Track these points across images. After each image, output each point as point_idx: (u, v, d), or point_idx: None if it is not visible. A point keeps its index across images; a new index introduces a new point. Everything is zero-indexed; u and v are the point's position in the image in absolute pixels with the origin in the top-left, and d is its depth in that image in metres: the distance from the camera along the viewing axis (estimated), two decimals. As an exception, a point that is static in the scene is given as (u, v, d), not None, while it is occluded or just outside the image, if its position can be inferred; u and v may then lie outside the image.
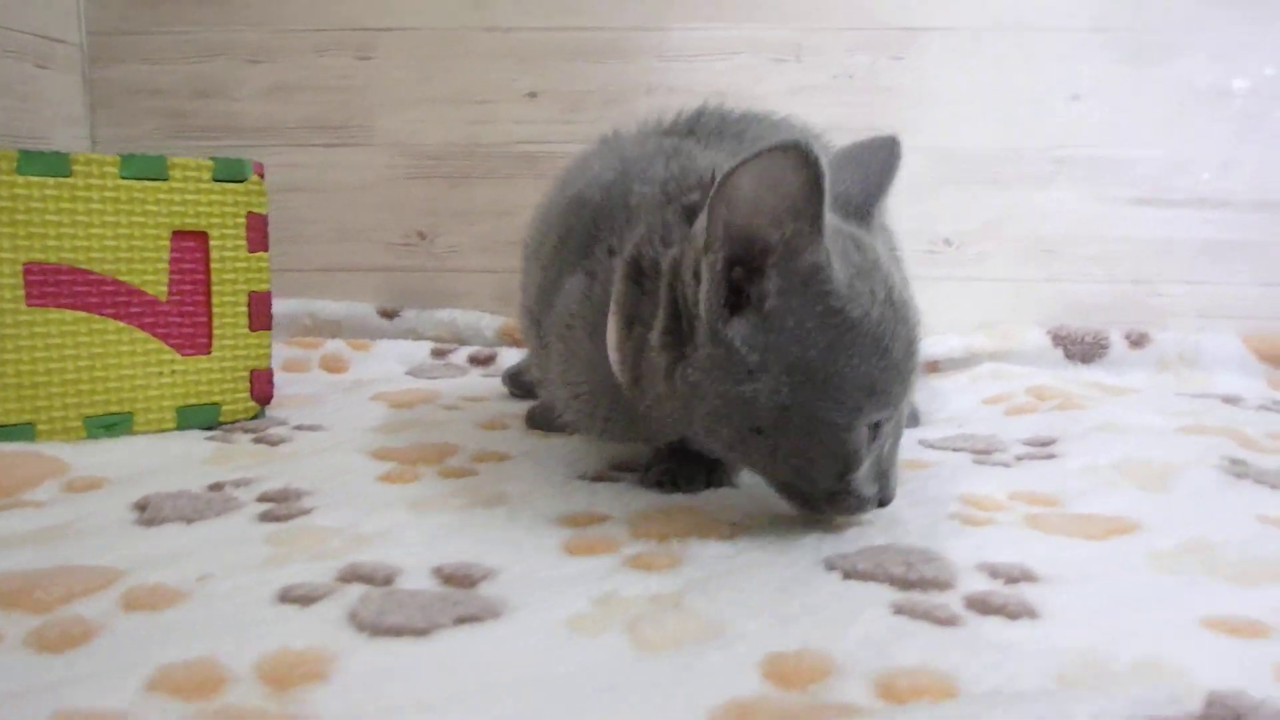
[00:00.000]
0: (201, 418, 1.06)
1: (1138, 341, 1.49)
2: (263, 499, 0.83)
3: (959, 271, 1.53)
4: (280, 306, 1.50)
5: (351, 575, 0.66)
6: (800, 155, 0.64)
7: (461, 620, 0.59)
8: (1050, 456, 1.00)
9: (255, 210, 1.08)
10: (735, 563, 0.70)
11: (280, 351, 1.45)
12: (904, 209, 1.45)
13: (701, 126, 1.02)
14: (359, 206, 1.55)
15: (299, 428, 1.09)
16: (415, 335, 1.53)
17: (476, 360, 1.48)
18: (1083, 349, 1.49)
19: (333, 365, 1.43)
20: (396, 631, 0.57)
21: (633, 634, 0.58)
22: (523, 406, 1.18)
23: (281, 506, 0.81)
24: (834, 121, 1.48)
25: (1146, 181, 1.51)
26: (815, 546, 0.74)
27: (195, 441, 1.02)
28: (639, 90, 1.53)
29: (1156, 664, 0.56)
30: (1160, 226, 1.51)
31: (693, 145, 0.96)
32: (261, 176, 1.09)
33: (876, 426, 0.72)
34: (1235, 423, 1.16)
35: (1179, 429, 1.11)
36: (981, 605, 0.63)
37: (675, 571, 0.68)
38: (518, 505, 0.82)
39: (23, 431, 0.97)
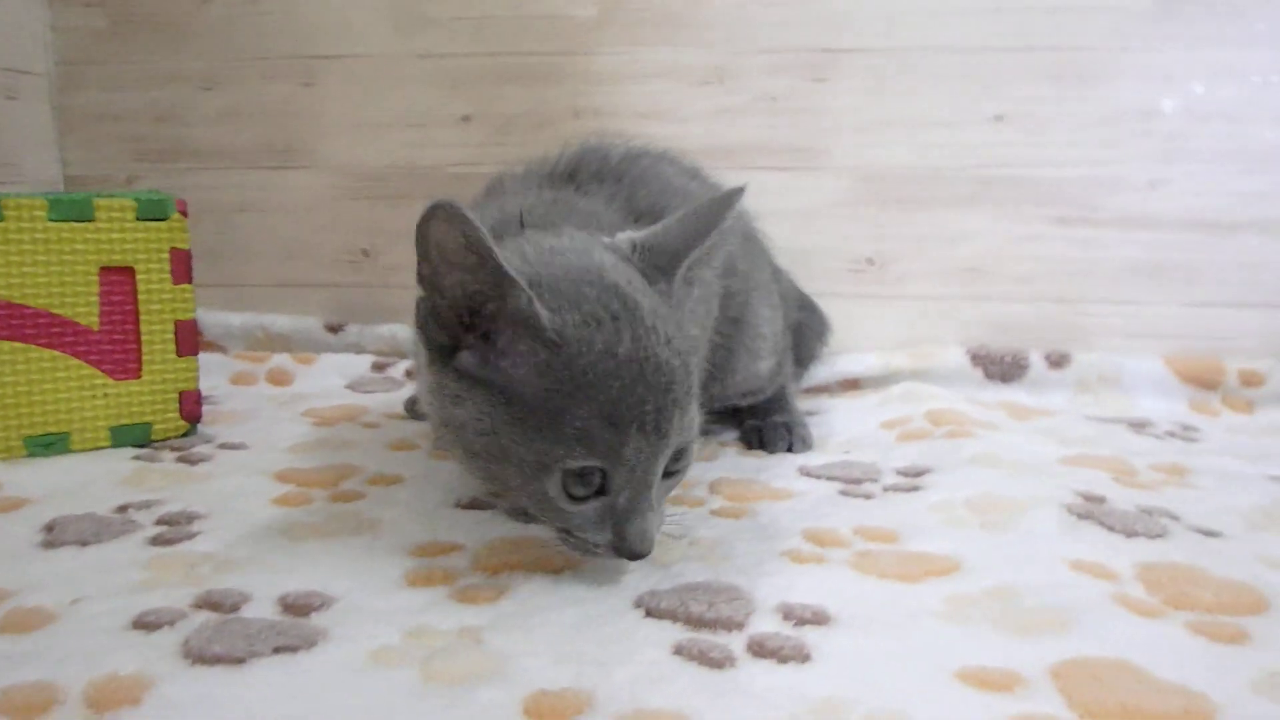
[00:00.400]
0: (134, 436, 1.15)
1: (1058, 362, 1.49)
2: (160, 522, 0.92)
3: (882, 290, 1.56)
4: (234, 320, 1.60)
5: (204, 602, 0.74)
6: (447, 214, 0.71)
7: (278, 650, 0.66)
8: (914, 489, 1.04)
9: (178, 245, 1.16)
10: (549, 599, 0.76)
11: (230, 365, 1.54)
12: (826, 227, 1.56)
13: (583, 169, 1.08)
14: (305, 225, 1.63)
15: (223, 446, 1.17)
16: (359, 349, 1.61)
17: (413, 374, 1.53)
18: (1002, 369, 1.50)
19: (278, 379, 1.51)
20: (215, 660, 0.65)
21: (424, 669, 0.65)
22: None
23: (172, 530, 0.89)
24: (757, 142, 1.56)
25: (1071, 201, 1.52)
26: (635, 583, 0.79)
27: (122, 461, 1.11)
28: (567, 113, 1.59)
29: (891, 713, 0.60)
30: (1085, 247, 1.52)
31: (571, 194, 1.02)
32: (184, 214, 1.16)
33: (592, 476, 0.75)
34: (1127, 451, 1.19)
35: (1061, 459, 1.14)
36: (759, 648, 0.68)
37: (492, 606, 0.75)
38: (383, 532, 0.89)
39: None
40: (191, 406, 1.19)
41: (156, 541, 0.87)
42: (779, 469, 1.12)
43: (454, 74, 1.59)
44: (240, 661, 0.65)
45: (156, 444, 1.17)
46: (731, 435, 1.26)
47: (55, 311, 1.10)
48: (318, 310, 1.66)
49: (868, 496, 1.02)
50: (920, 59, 1.52)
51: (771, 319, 1.20)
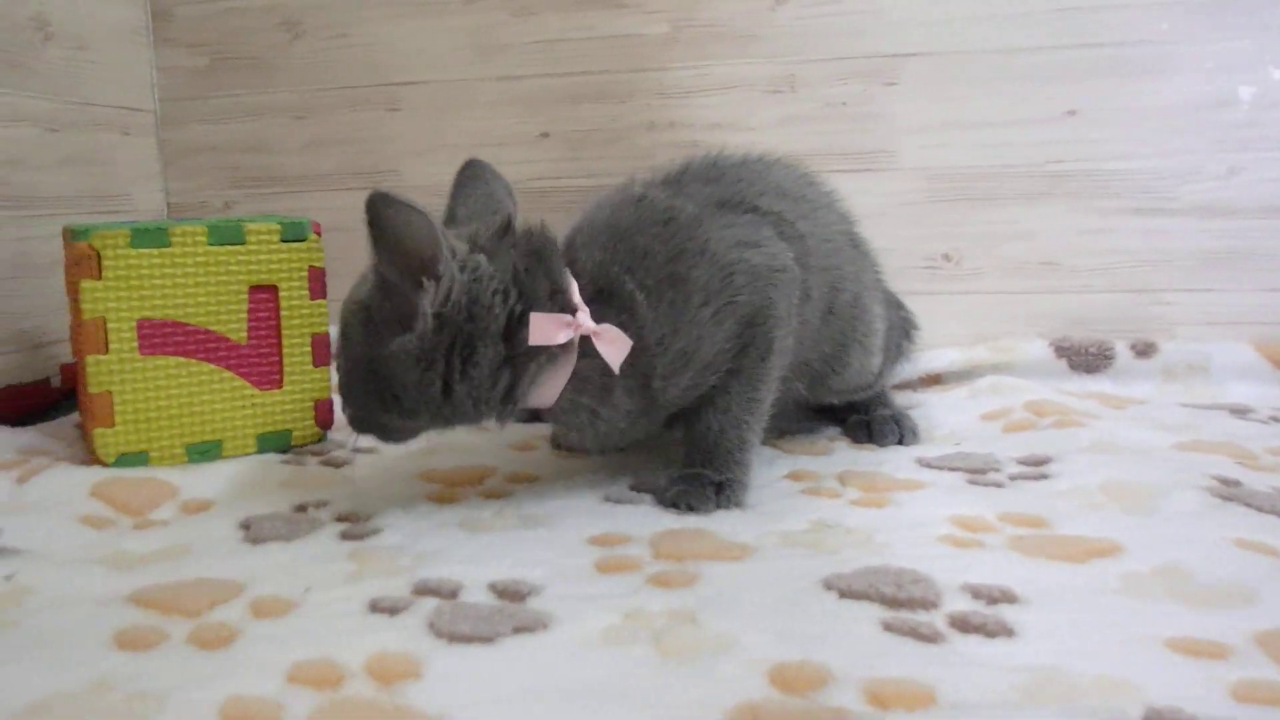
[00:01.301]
0: (276, 443, 1.21)
1: (1144, 351, 1.49)
2: (340, 519, 0.98)
3: (958, 286, 1.58)
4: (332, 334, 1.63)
5: (423, 589, 0.80)
6: (373, 201, 0.85)
7: (518, 630, 0.72)
8: (1042, 477, 1.05)
9: (315, 264, 1.23)
10: (742, 582, 0.80)
11: (332, 376, 1.58)
12: (900, 228, 1.59)
13: (689, 171, 1.12)
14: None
15: (357, 450, 1.22)
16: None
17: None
18: (1087, 360, 1.50)
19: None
20: (468, 638, 0.71)
21: (657, 645, 0.70)
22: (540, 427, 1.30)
23: (355, 527, 0.96)
24: (828, 147, 1.61)
25: (1145, 192, 1.53)
26: (816, 569, 0.81)
27: (273, 465, 1.17)
28: (641, 127, 1.64)
29: (1116, 681, 0.62)
30: (1161, 237, 1.53)
31: (660, 191, 1.07)
32: (319, 234, 1.22)
33: None
34: (1238, 437, 1.18)
35: (1175, 445, 1.14)
36: (963, 624, 0.71)
37: (690, 590, 0.79)
38: (553, 525, 0.95)
39: (138, 458, 1.13)
40: (325, 414, 1.25)
41: (346, 537, 0.93)
42: (897, 461, 1.15)
43: (530, 94, 1.66)
44: (489, 640, 0.71)
45: (296, 449, 1.23)
46: (834, 430, 1.30)
47: (211, 328, 1.16)
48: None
49: (998, 485, 1.05)
50: (987, 60, 1.55)
51: (882, 316, 1.24)
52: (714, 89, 1.62)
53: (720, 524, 0.95)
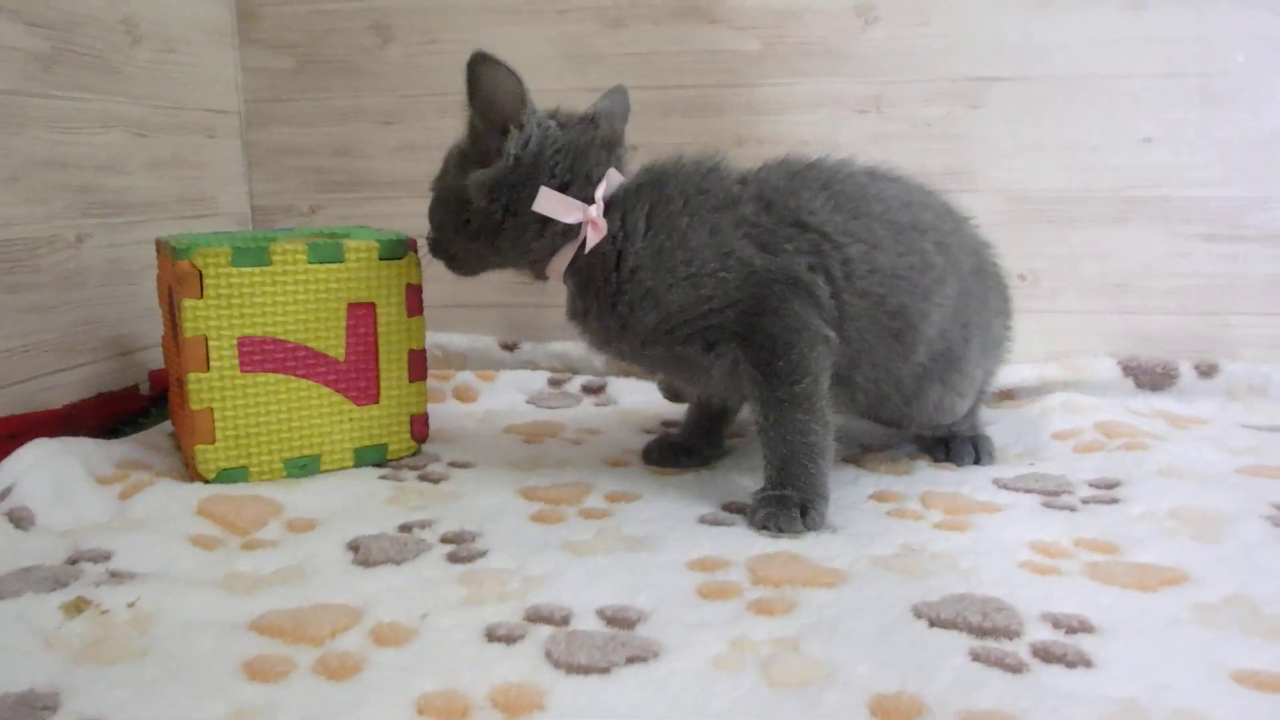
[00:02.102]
0: (373, 456, 1.26)
1: (1207, 372, 1.55)
2: (445, 540, 1.02)
3: (1033, 305, 1.61)
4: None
5: (535, 616, 0.83)
6: (474, 60, 1.08)
7: (631, 659, 0.75)
8: (1114, 501, 1.11)
9: (412, 281, 1.26)
10: (838, 610, 0.84)
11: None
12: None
13: (780, 169, 1.21)
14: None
15: (453, 464, 1.27)
16: (533, 366, 1.70)
17: (589, 389, 1.64)
18: (1152, 378, 1.56)
19: (464, 395, 1.60)
20: (585, 669, 0.74)
21: (765, 674, 0.74)
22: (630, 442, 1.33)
23: (462, 548, 0.99)
24: (913, 167, 1.59)
25: (1218, 219, 1.57)
26: (905, 594, 0.87)
27: (371, 480, 1.21)
28: (731, 142, 1.66)
29: (1191, 713, 0.67)
30: (1231, 262, 1.57)
31: (735, 169, 1.20)
32: (415, 251, 1.26)
33: None
34: None
35: (1239, 469, 1.21)
36: (1045, 654, 0.76)
37: (791, 617, 0.83)
38: (654, 548, 0.99)
39: (239, 474, 1.17)
40: (420, 428, 1.29)
41: (454, 559, 0.97)
42: (975, 481, 1.19)
43: (621, 105, 1.67)
44: (605, 670, 0.74)
45: (392, 463, 1.27)
46: (912, 448, 1.34)
47: (310, 345, 1.21)
48: (489, 329, 1.75)
49: (1071, 509, 1.09)
50: (1070, 86, 1.58)
51: (979, 361, 1.23)
52: (803, 106, 1.65)
53: (813, 548, 0.99)
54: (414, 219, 1.76)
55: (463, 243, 1.18)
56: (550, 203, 1.10)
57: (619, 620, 0.83)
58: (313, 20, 1.74)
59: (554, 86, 1.69)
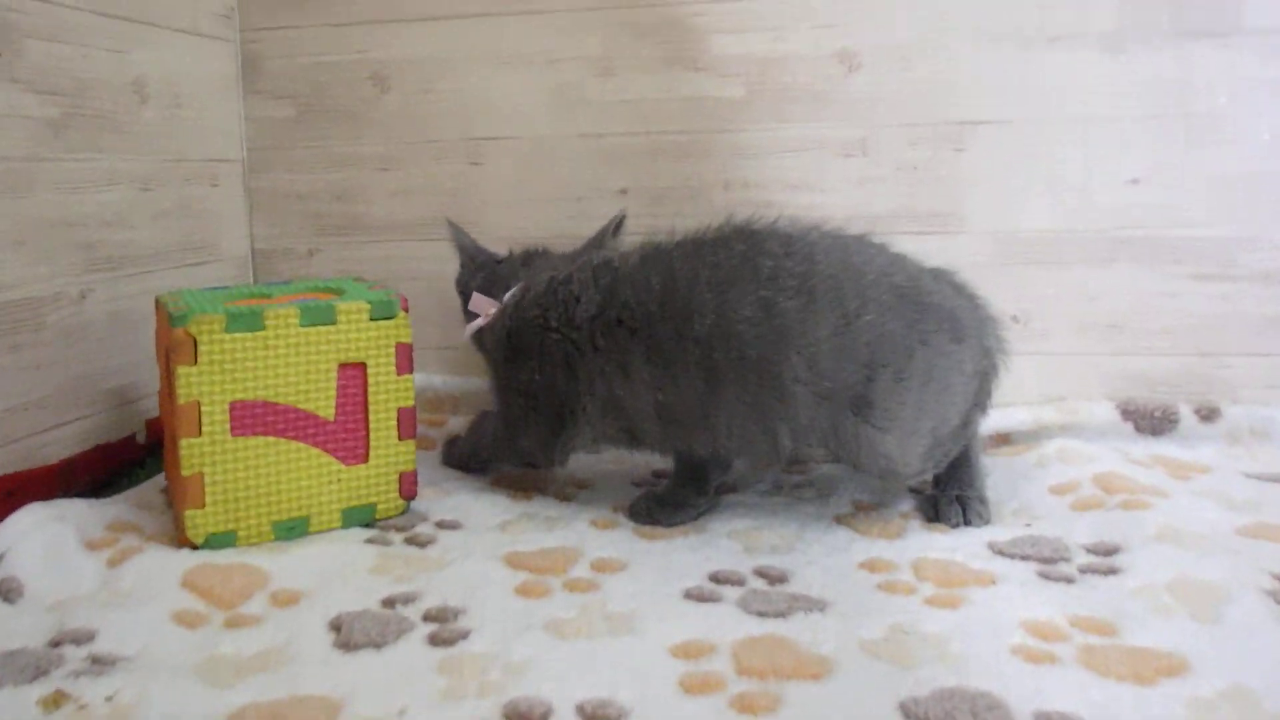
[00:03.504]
0: (361, 517, 1.22)
1: (1208, 415, 1.48)
2: (428, 618, 0.97)
3: (1025, 346, 1.55)
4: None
5: (514, 713, 0.79)
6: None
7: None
8: (1112, 571, 1.05)
9: (402, 340, 1.22)
10: (825, 708, 0.80)
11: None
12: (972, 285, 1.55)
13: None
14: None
15: (440, 525, 1.23)
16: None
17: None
18: (1152, 423, 1.50)
19: (456, 443, 1.56)
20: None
21: None
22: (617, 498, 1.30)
23: (444, 629, 0.94)
24: (899, 210, 1.60)
25: (1208, 258, 1.52)
26: (893, 688, 0.82)
27: (358, 543, 1.17)
28: (717, 185, 1.63)
29: None
30: (1223, 302, 1.53)
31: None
32: (406, 311, 1.22)
33: None
34: None
35: (1239, 529, 1.15)
36: None
37: (774, 715, 0.79)
38: (637, 629, 0.94)
39: (227, 539, 1.13)
40: (409, 486, 1.26)
41: (435, 641, 0.92)
42: (970, 546, 1.14)
43: (611, 151, 1.64)
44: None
45: (380, 523, 1.23)
46: (908, 505, 1.28)
47: (301, 406, 1.17)
48: (484, 370, 1.72)
49: (1068, 580, 1.04)
50: (1054, 128, 1.54)
51: (915, 399, 1.12)
52: (788, 150, 1.61)
53: (800, 630, 0.94)
54: (409, 261, 1.75)
55: None
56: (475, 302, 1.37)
57: (598, 717, 0.79)
58: (314, 71, 1.71)
59: (545, 133, 1.67)
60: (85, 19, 1.36)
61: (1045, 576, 1.05)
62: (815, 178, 1.59)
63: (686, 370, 1.13)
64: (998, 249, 1.57)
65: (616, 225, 1.43)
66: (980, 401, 1.23)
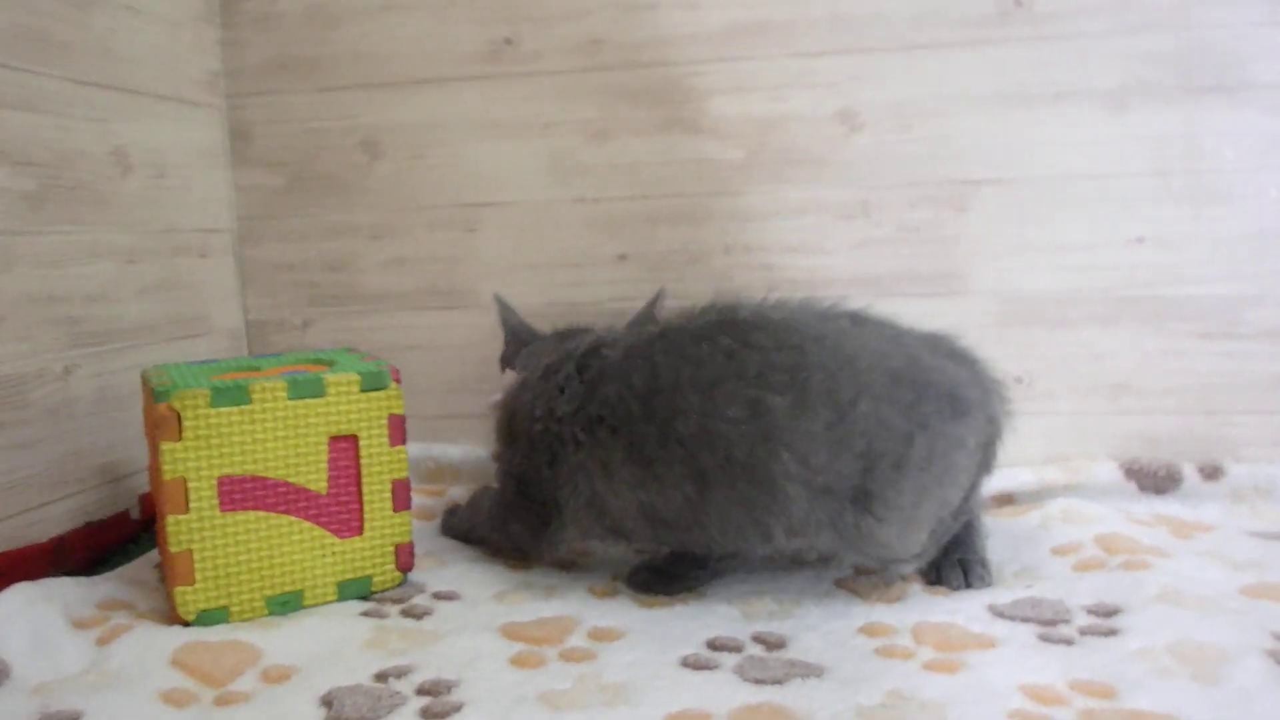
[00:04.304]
0: (357, 590, 1.23)
1: (1211, 474, 1.50)
2: (421, 691, 0.99)
3: (1030, 407, 1.58)
4: (409, 450, 1.65)
5: (508, 790, 0.80)
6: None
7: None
8: (1112, 633, 1.06)
9: (395, 412, 1.25)
10: None
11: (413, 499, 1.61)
12: (972, 348, 1.53)
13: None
14: (467, 362, 1.70)
15: (437, 596, 1.25)
16: (524, 478, 1.65)
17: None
18: (1155, 481, 1.51)
19: (453, 512, 1.56)
20: None
21: None
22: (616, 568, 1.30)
23: (437, 702, 0.96)
24: (900, 270, 1.64)
25: (1214, 316, 1.55)
26: None
27: (353, 617, 1.19)
28: (718, 249, 1.67)
29: None
30: (1229, 360, 1.55)
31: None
32: (398, 382, 1.23)
33: None
34: None
35: (1242, 589, 1.16)
36: None
37: None
38: (633, 700, 0.95)
39: (219, 615, 1.16)
40: (405, 558, 1.27)
41: (427, 716, 0.94)
42: (969, 609, 1.15)
43: (608, 216, 1.69)
44: None
45: (377, 595, 1.24)
46: (910, 569, 1.28)
47: (291, 480, 1.18)
48: (482, 440, 1.72)
49: (1068, 642, 1.05)
50: (1057, 186, 1.58)
51: (915, 487, 1.11)
52: (789, 213, 1.65)
53: (797, 698, 0.95)
54: (405, 331, 1.78)
55: None
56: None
57: (592, 795, 0.79)
58: (304, 139, 1.76)
59: (541, 198, 1.72)
60: (62, 87, 1.40)
61: (1045, 639, 1.07)
62: (816, 240, 1.62)
63: (671, 470, 1.13)
64: (1001, 309, 1.61)
65: (656, 300, 1.51)
66: (984, 466, 1.25)
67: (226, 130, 1.78)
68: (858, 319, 1.22)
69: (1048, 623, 1.10)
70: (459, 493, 1.66)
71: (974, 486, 1.23)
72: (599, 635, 1.12)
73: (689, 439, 1.11)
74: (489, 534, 1.37)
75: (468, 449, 1.72)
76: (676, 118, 1.67)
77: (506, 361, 1.51)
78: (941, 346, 1.23)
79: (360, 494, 1.24)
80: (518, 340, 1.52)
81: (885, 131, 1.62)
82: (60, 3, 1.40)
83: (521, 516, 1.28)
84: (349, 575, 1.24)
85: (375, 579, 1.25)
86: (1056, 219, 1.58)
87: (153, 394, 1.15)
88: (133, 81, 1.54)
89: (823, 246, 1.64)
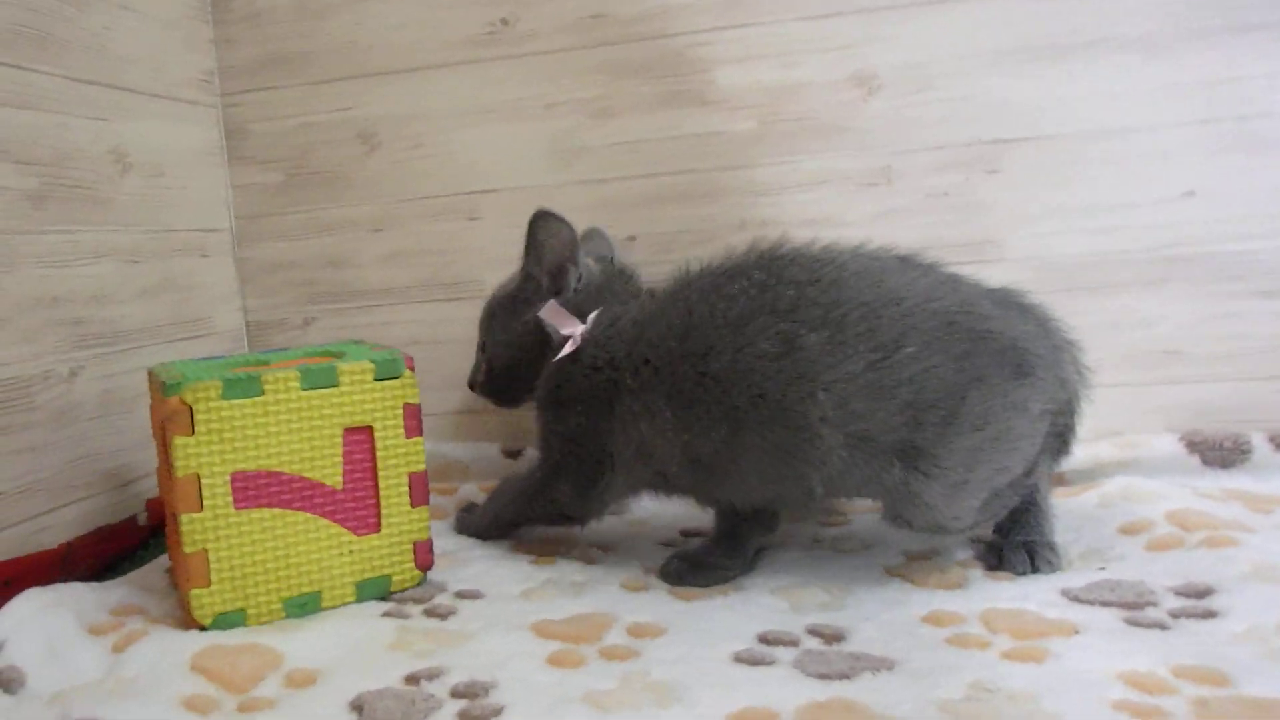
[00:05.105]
0: (376, 589, 1.18)
1: None
2: (456, 694, 0.93)
3: None
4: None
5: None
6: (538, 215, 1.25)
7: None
8: (1210, 615, 0.99)
9: (410, 401, 1.20)
10: None
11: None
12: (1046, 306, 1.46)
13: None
14: (473, 355, 1.63)
15: (460, 595, 1.19)
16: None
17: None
18: (1221, 454, 1.42)
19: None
20: None
21: None
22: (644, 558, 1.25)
23: (475, 705, 0.91)
24: (931, 240, 1.55)
25: (1273, 274, 1.46)
26: None
27: (374, 618, 1.13)
28: (732, 226, 1.61)
29: None
30: None
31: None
32: (412, 369, 1.18)
33: None
34: None
35: None
36: None
37: None
38: (685, 699, 0.89)
39: (236, 618, 1.11)
40: (425, 556, 1.22)
41: (466, 719, 0.87)
42: (1039, 594, 1.07)
43: (615, 197, 1.64)
44: None
45: (396, 595, 1.19)
46: (965, 553, 1.23)
47: (306, 475, 1.14)
48: (487, 435, 1.67)
49: (1161, 627, 0.98)
50: (1094, 142, 1.50)
51: (965, 443, 1.04)
52: (806, 184, 1.59)
53: (869, 691, 0.88)
54: (408, 325, 1.72)
55: (519, 377, 1.32)
56: (550, 313, 1.27)
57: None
58: (300, 133, 1.73)
59: (543, 182, 1.67)
60: (59, 85, 1.38)
61: (1133, 623, 0.99)
62: (837, 211, 1.56)
63: (708, 411, 1.10)
64: (1038, 276, 1.52)
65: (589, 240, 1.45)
66: (1060, 440, 1.20)
67: (222, 129, 1.74)
68: (908, 261, 1.16)
69: (1132, 605, 1.03)
70: (470, 490, 1.60)
71: (1039, 457, 1.15)
72: (638, 631, 1.06)
73: (721, 375, 1.08)
74: (525, 510, 1.32)
75: (480, 445, 1.67)
76: (682, 91, 1.62)
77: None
78: (1008, 300, 1.17)
79: (377, 489, 1.19)
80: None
81: (904, 93, 1.55)
82: (58, 0, 1.37)
83: (570, 476, 1.24)
84: (367, 574, 1.18)
85: (394, 578, 1.20)
86: (1094, 177, 1.50)
87: (162, 389, 1.10)
88: (129, 80, 1.51)
89: (843, 218, 1.58)
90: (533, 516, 1.33)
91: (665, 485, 1.21)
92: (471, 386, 1.42)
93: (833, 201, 1.58)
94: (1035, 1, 1.50)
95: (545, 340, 1.27)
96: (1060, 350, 1.15)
